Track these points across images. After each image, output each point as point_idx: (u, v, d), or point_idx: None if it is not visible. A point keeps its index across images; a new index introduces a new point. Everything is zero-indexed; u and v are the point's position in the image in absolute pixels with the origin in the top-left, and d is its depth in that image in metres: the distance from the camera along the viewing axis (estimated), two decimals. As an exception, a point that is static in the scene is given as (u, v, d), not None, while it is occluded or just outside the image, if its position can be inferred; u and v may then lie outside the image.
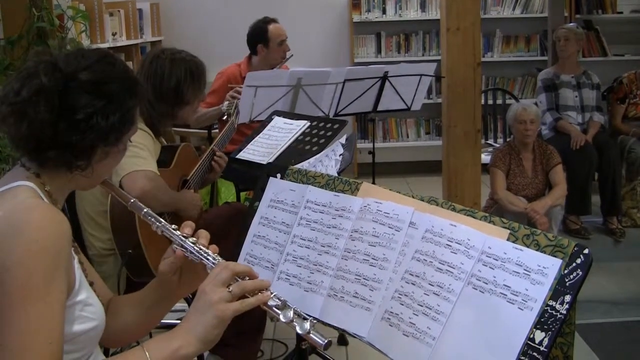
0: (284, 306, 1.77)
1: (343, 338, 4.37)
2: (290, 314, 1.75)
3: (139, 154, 3.26)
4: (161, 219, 1.97)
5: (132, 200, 2.02)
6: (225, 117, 4.78)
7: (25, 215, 1.66)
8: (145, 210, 1.99)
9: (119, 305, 2.11)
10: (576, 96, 6.62)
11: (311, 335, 1.74)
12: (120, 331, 2.07)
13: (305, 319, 1.76)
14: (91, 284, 1.93)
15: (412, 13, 8.61)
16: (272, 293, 1.78)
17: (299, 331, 1.74)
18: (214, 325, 1.72)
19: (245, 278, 1.79)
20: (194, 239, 1.92)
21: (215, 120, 5.56)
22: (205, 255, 1.87)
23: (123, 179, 3.18)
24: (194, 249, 1.88)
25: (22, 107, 1.76)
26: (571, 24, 6.92)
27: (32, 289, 1.60)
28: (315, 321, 1.76)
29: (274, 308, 1.76)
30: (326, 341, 1.73)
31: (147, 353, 1.71)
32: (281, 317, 1.75)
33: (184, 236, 1.92)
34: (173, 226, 1.94)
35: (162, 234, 1.95)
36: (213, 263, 1.84)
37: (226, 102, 4.22)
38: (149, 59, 3.65)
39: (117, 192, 2.06)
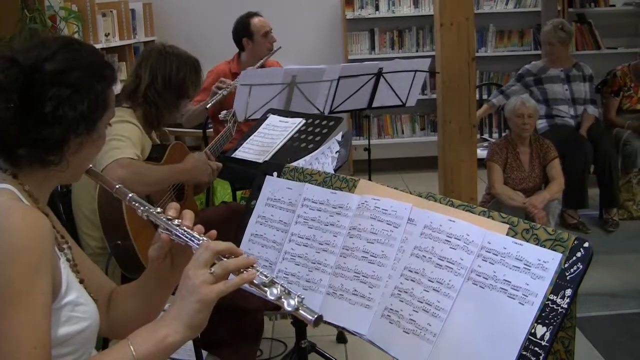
0: (270, 283, 1.70)
1: (342, 336, 4.36)
2: (277, 290, 1.69)
3: (116, 145, 3.25)
4: (145, 203, 1.92)
5: (117, 187, 1.98)
6: (213, 100, 4.80)
7: (2, 220, 1.62)
8: (130, 195, 1.95)
9: (120, 295, 2.08)
10: (566, 89, 6.58)
11: (300, 311, 1.67)
12: (123, 322, 2.04)
13: (292, 294, 1.69)
14: (81, 281, 1.89)
15: (405, 9, 8.60)
16: (257, 271, 1.71)
17: (287, 308, 1.67)
18: (197, 310, 1.66)
19: (231, 257, 1.74)
20: (179, 221, 1.86)
21: (202, 118, 5.53)
22: (189, 237, 1.81)
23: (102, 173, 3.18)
24: (179, 231, 1.83)
25: None
26: (552, 23, 6.88)
27: (13, 293, 1.57)
28: (303, 297, 1.69)
29: (260, 286, 1.69)
30: (316, 316, 1.66)
31: (131, 347, 1.66)
32: (268, 294, 1.68)
33: (168, 219, 1.87)
34: (158, 209, 1.89)
35: (148, 219, 1.90)
36: (197, 244, 1.78)
37: (224, 112, 4.22)
38: (155, 54, 3.70)
39: (102, 180, 2.02)
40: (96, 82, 1.80)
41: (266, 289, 1.69)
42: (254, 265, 1.73)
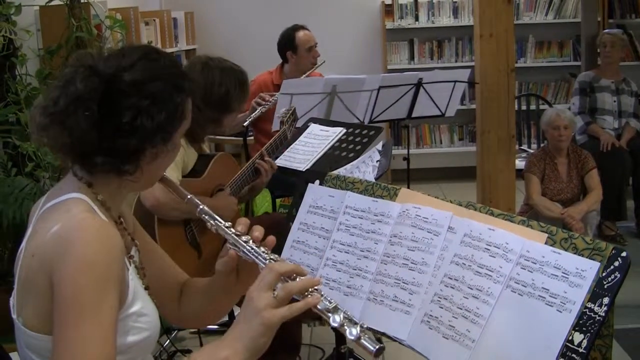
0: (334, 310, 1.68)
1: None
2: (341, 317, 1.67)
3: None
4: (215, 217, 1.91)
5: (188, 197, 1.96)
6: (251, 118, 4.82)
7: (75, 232, 1.64)
8: (200, 207, 1.93)
9: (191, 289, 2.10)
10: (614, 101, 6.60)
11: (362, 341, 1.64)
12: (192, 314, 2.09)
13: (355, 323, 1.67)
14: (146, 288, 1.91)
15: (445, 19, 8.60)
16: (322, 295, 1.69)
17: (349, 337, 1.64)
18: (260, 334, 1.63)
19: (297, 277, 1.71)
20: (247, 237, 1.85)
21: (240, 128, 5.55)
22: (257, 255, 1.80)
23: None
24: (246, 248, 1.82)
25: (60, 117, 1.72)
26: (617, 29, 6.92)
27: (82, 306, 1.59)
28: (365, 325, 1.68)
29: (324, 311, 1.67)
30: (378, 347, 1.64)
31: None
32: (331, 321, 1.66)
33: (236, 234, 1.86)
34: (227, 224, 1.89)
35: (217, 232, 1.89)
36: (264, 263, 1.77)
37: (282, 110, 4.24)
38: (199, 67, 3.63)
39: (175, 189, 2.00)
40: (175, 93, 1.80)
41: (329, 314, 1.67)
42: (318, 287, 1.71)
